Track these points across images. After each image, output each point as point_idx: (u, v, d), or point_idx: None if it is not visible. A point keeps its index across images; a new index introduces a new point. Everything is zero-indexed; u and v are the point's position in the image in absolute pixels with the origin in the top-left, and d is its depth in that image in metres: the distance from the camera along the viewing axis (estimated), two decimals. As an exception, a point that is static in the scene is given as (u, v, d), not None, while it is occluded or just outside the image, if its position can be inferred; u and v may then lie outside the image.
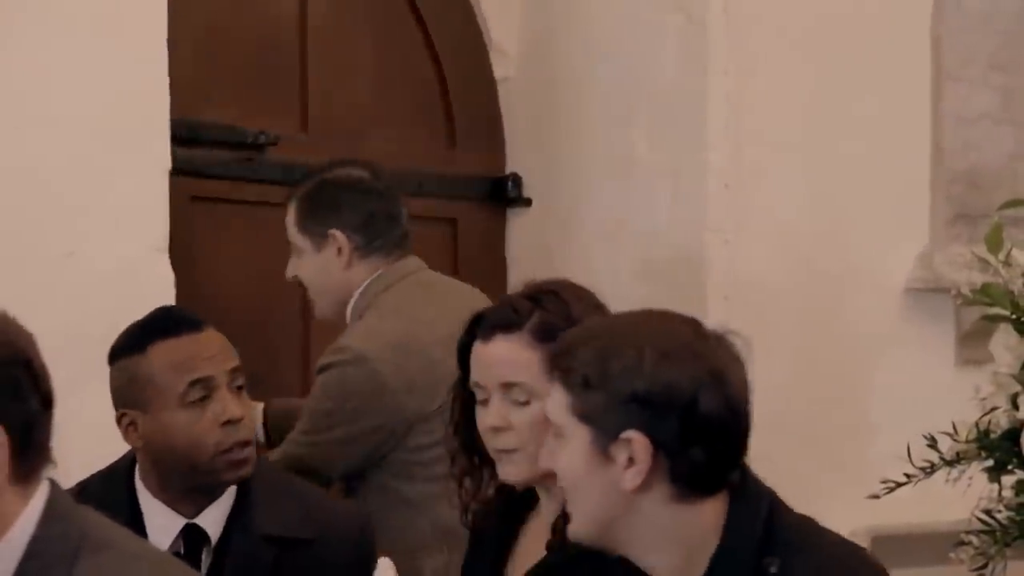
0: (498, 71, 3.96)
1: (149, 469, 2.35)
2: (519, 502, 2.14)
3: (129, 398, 2.33)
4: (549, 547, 2.04)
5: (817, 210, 3.73)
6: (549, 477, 2.04)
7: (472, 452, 2.13)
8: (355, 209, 2.94)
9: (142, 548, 1.70)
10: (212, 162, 3.02)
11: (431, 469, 2.73)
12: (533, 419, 2.01)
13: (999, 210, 3.13)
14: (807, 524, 1.78)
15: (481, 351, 2.07)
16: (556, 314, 2.04)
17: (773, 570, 1.66)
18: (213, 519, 2.35)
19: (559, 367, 1.73)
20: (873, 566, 1.80)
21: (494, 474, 2.11)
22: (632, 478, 1.67)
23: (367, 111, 3.69)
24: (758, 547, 1.67)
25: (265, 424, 3.01)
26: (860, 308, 3.74)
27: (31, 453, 1.57)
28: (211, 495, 2.35)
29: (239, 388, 2.36)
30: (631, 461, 1.67)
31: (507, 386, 2.04)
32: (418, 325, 2.88)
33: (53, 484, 1.61)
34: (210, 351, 2.35)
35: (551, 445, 1.76)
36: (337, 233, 2.92)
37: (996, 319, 2.90)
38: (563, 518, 2.01)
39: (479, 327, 2.08)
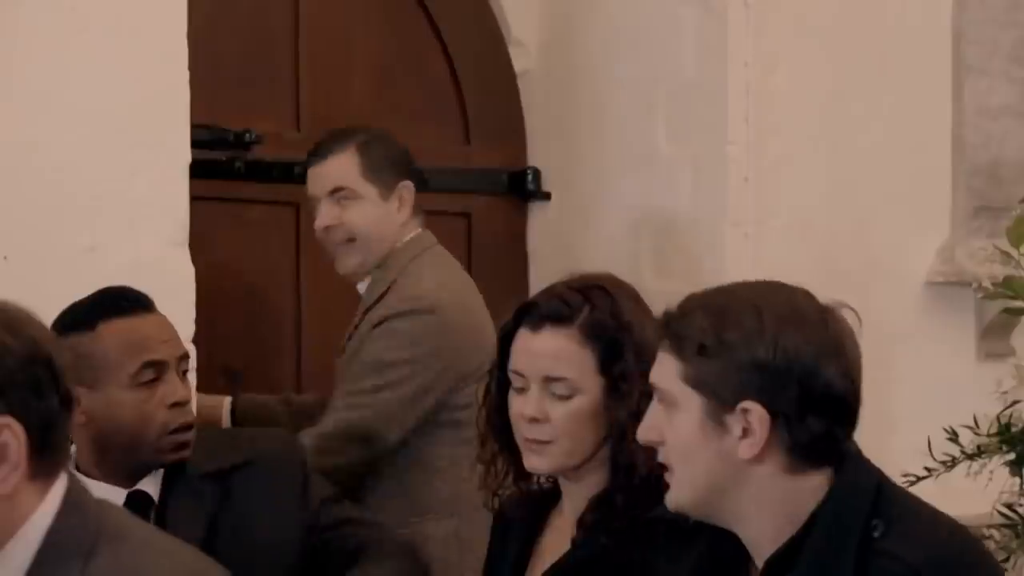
0: (517, 64, 3.95)
1: (84, 446, 2.34)
2: (546, 496, 2.14)
3: (74, 375, 2.33)
4: (574, 542, 2.03)
5: (838, 203, 3.72)
6: (571, 472, 2.04)
7: (503, 437, 2.12)
8: (414, 168, 3.00)
9: (157, 538, 1.70)
10: (198, 160, 3.02)
11: (460, 432, 2.73)
12: (571, 414, 2.01)
13: (1021, 203, 3.12)
14: (914, 498, 1.75)
15: (528, 340, 2.05)
16: (605, 311, 2.03)
17: (877, 533, 1.62)
18: (150, 483, 2.37)
19: (671, 333, 1.67)
20: (977, 542, 1.77)
21: (518, 461, 2.11)
22: (747, 449, 1.62)
23: (369, 106, 3.67)
24: (868, 511, 1.63)
25: (233, 417, 3.03)
26: (881, 302, 3.72)
27: (49, 451, 1.57)
28: (147, 472, 2.37)
29: (184, 373, 2.39)
30: (746, 431, 1.62)
31: (550, 379, 2.03)
32: (469, 286, 2.91)
33: (72, 477, 1.61)
34: (164, 335, 2.37)
35: (657, 413, 1.69)
36: (409, 185, 2.95)
37: (1018, 312, 2.89)
38: (589, 513, 2.00)
39: (527, 315, 2.06)
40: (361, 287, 3.01)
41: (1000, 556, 2.47)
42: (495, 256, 3.85)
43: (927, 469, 2.58)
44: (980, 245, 3.69)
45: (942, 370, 3.74)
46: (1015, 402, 2.87)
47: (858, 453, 1.67)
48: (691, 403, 1.64)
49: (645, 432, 1.71)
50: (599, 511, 2.01)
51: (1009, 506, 2.63)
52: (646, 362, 1.79)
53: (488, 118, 3.90)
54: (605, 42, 3.82)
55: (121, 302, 2.37)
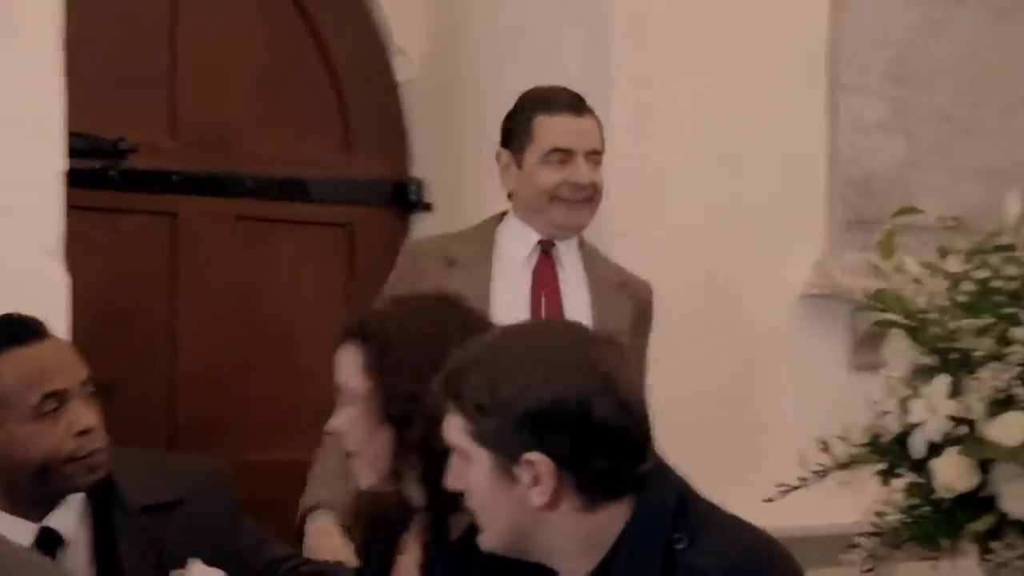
0: (400, 73, 3.95)
1: None
2: (400, 516, 2.13)
3: None
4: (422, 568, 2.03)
5: (717, 216, 3.77)
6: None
7: None
8: None
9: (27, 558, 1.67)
10: (74, 169, 2.97)
11: None
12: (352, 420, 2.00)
13: (892, 218, 3.19)
14: (718, 509, 1.80)
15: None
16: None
17: (680, 546, 1.67)
18: (62, 519, 2.31)
19: (451, 393, 1.72)
20: (778, 547, 1.82)
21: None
22: (539, 497, 1.68)
23: (248, 115, 3.65)
24: (670, 527, 1.68)
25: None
26: (758, 313, 3.78)
27: None
28: (59, 500, 2.31)
29: (90, 395, 2.32)
30: (536, 480, 1.67)
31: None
32: None
33: None
34: (63, 361, 2.31)
35: (457, 465, 1.75)
36: None
37: (888, 325, 2.95)
38: (432, 536, 2.00)
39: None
40: (564, 246, 2.90)
41: (869, 564, 2.53)
42: (377, 267, 3.82)
43: (800, 479, 2.62)
44: (854, 258, 3.76)
45: (817, 381, 3.81)
46: (885, 413, 2.94)
47: (660, 471, 1.71)
48: (480, 458, 1.70)
49: (451, 481, 1.76)
50: (433, 533, 2.00)
51: (879, 515, 2.69)
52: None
53: (370, 127, 3.89)
54: (490, 53, 3.84)
55: (13, 332, 2.30)
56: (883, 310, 2.97)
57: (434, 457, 1.84)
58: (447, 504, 1.89)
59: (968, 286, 2.93)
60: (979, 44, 4.20)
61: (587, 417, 1.66)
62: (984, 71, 4.21)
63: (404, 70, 3.96)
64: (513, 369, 1.68)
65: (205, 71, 3.62)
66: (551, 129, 2.75)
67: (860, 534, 2.55)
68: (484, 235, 2.78)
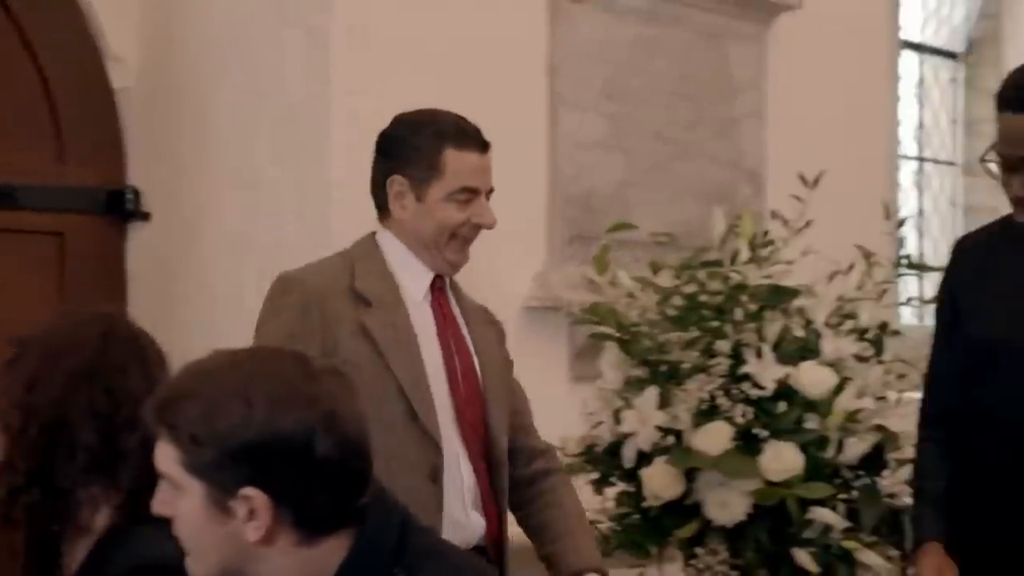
0: (116, 81, 3.83)
1: None
2: None
3: None
4: None
5: (441, 228, 3.78)
6: None
7: None
8: None
9: None
10: None
11: None
12: None
13: (607, 233, 3.27)
14: (440, 541, 1.80)
15: None
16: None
17: None
18: None
19: (164, 421, 1.66)
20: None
21: None
22: (253, 532, 1.63)
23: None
24: (388, 562, 1.66)
25: None
26: (481, 325, 3.81)
27: None
28: None
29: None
30: (252, 515, 1.63)
31: None
32: None
33: None
34: None
35: (166, 493, 1.68)
36: None
37: (602, 337, 3.03)
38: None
39: None
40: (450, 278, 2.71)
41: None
42: (91, 277, 3.72)
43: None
44: (574, 272, 3.83)
45: (538, 392, 3.84)
46: (599, 423, 3.01)
47: (381, 504, 1.71)
48: (194, 490, 1.64)
49: (158, 506, 1.70)
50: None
51: (592, 523, 2.75)
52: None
53: (84, 135, 3.77)
54: (209, 61, 3.76)
55: None
56: (598, 323, 3.04)
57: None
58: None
59: (677, 300, 3.03)
60: (693, 64, 4.34)
61: (308, 454, 1.62)
62: (698, 91, 4.36)
63: (120, 77, 3.84)
64: (232, 400, 1.61)
65: None
66: (462, 166, 2.54)
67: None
68: (379, 269, 2.54)
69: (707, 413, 2.82)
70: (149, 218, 3.85)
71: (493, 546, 2.46)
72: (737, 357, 2.88)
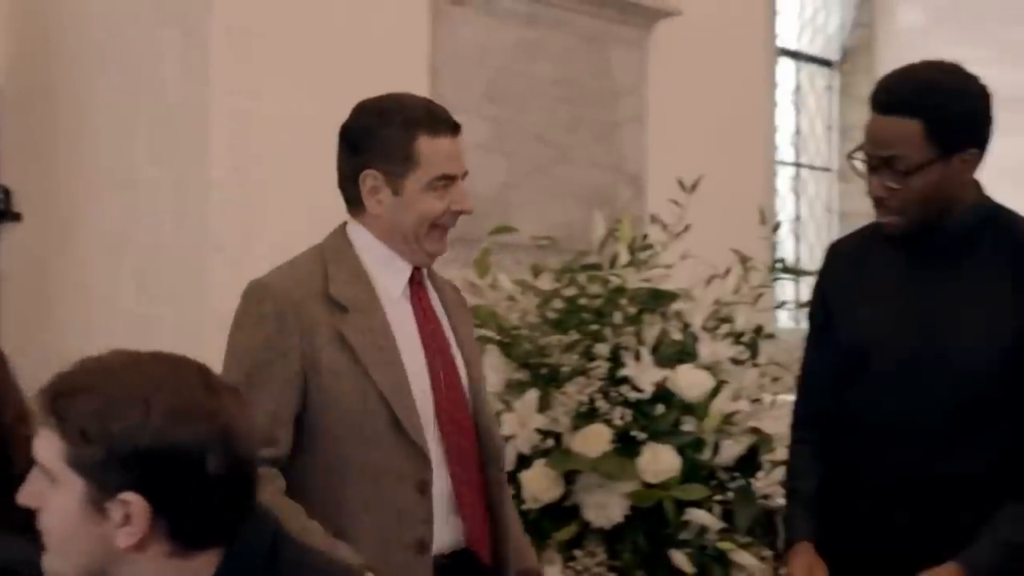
0: (-15, 79, 3.76)
1: None
2: None
3: None
4: None
5: (322, 229, 3.75)
6: None
7: None
8: None
9: None
10: None
11: None
12: None
13: (489, 235, 3.28)
14: (312, 554, 1.79)
15: None
16: None
17: None
18: None
19: (55, 412, 1.62)
20: None
21: None
22: (126, 538, 1.60)
23: None
24: (258, 574, 1.66)
25: None
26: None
27: None
28: None
29: None
30: (127, 520, 1.61)
31: None
32: None
33: None
34: None
35: (39, 484, 1.64)
36: None
37: (483, 340, 3.03)
38: None
39: None
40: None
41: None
42: (-39, 277, 3.64)
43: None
44: (457, 275, 3.83)
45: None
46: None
47: (256, 518, 1.70)
48: (72, 485, 1.61)
49: (25, 497, 1.67)
50: None
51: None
52: None
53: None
54: (85, 60, 3.70)
55: None
56: (479, 326, 3.05)
57: None
58: None
59: (558, 304, 3.05)
60: (574, 68, 4.37)
61: (199, 469, 1.59)
62: (579, 94, 4.39)
63: (-10, 75, 3.77)
64: (131, 403, 1.58)
65: None
66: (437, 153, 2.40)
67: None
68: (353, 269, 2.40)
69: (586, 415, 2.85)
70: (21, 218, 3.77)
71: (485, 545, 2.38)
72: (616, 360, 2.91)
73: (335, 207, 3.74)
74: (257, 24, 3.57)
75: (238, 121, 3.56)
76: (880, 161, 2.27)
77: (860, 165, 2.31)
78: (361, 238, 2.41)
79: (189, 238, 3.59)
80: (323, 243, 2.43)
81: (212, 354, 3.73)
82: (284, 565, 1.68)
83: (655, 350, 2.93)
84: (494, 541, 2.34)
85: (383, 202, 2.38)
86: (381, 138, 2.39)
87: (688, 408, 2.89)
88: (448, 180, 2.36)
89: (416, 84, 3.94)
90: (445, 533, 2.28)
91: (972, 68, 2.34)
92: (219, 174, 3.56)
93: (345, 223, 2.43)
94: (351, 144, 2.44)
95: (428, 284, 2.46)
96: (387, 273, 2.39)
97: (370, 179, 2.38)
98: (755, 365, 3.05)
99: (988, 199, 2.35)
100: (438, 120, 2.38)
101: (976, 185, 2.34)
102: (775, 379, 3.05)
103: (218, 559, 1.65)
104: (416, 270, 2.40)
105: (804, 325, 2.53)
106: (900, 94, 2.27)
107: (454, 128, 2.38)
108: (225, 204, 3.56)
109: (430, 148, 2.36)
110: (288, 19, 3.64)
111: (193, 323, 3.55)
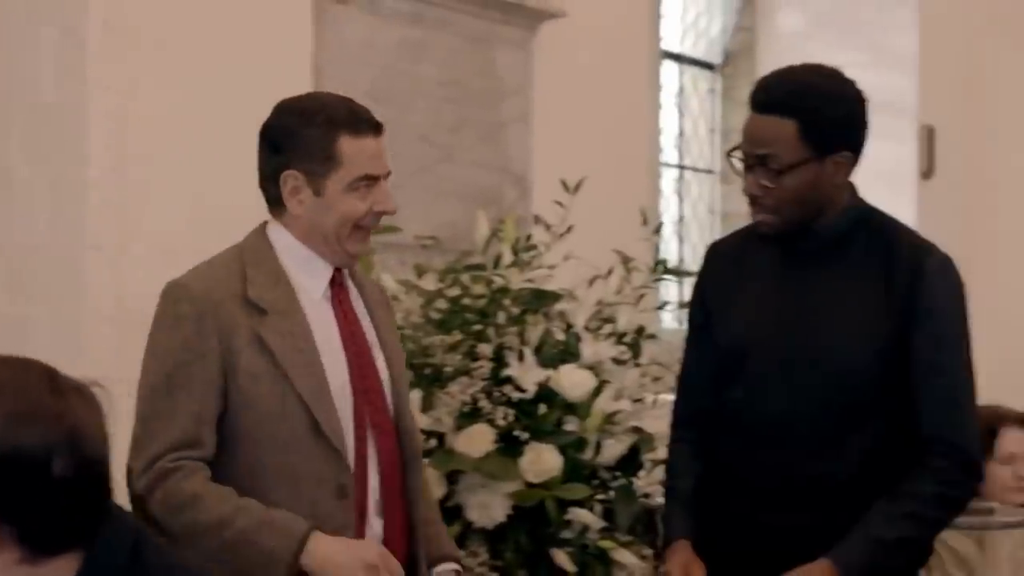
0: None
1: None
2: None
3: None
4: None
5: (202, 229, 3.70)
6: None
7: None
8: None
9: None
10: None
11: None
12: None
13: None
14: (174, 555, 1.76)
15: None
16: None
17: None
18: None
19: None
20: None
21: None
22: None
23: None
24: None
25: None
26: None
27: None
28: None
29: None
30: None
31: None
32: None
33: None
34: None
35: None
36: None
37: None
38: None
39: None
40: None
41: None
42: None
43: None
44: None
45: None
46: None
47: (114, 521, 1.67)
48: None
49: None
50: None
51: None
52: None
53: None
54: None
55: None
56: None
57: None
58: None
59: (441, 304, 3.05)
60: (459, 68, 4.37)
61: (44, 472, 1.56)
62: (464, 95, 4.40)
63: None
64: None
65: None
66: (360, 154, 2.36)
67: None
68: (273, 271, 2.36)
69: (469, 415, 2.85)
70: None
71: (401, 545, 2.36)
72: (499, 360, 2.92)
73: (215, 206, 3.71)
74: (136, 21, 3.52)
75: (116, 120, 3.51)
76: (755, 159, 2.31)
77: (738, 163, 2.35)
78: (281, 239, 2.38)
79: (66, 238, 3.52)
80: (242, 243, 2.41)
81: (89, 354, 3.69)
82: (147, 567, 1.65)
83: (538, 350, 2.95)
84: (410, 542, 2.34)
85: (304, 203, 2.35)
86: (302, 138, 2.35)
87: (570, 408, 2.91)
88: (370, 180, 2.34)
89: (300, 83, 3.91)
90: (366, 536, 2.27)
91: (850, 72, 2.38)
92: (96, 174, 3.50)
93: (265, 223, 2.40)
94: (272, 144, 2.40)
95: (350, 285, 2.44)
96: (308, 275, 2.36)
97: (291, 179, 2.35)
98: (637, 365, 3.07)
99: (862, 201, 2.40)
100: (360, 120, 2.37)
101: (850, 188, 2.38)
102: (656, 379, 3.08)
103: (77, 563, 1.62)
104: (337, 271, 2.39)
105: (686, 325, 2.56)
106: (777, 94, 2.31)
107: (376, 128, 2.37)
108: (103, 204, 3.50)
109: (352, 148, 2.34)
110: (168, 16, 3.59)
111: (70, 323, 3.49)
